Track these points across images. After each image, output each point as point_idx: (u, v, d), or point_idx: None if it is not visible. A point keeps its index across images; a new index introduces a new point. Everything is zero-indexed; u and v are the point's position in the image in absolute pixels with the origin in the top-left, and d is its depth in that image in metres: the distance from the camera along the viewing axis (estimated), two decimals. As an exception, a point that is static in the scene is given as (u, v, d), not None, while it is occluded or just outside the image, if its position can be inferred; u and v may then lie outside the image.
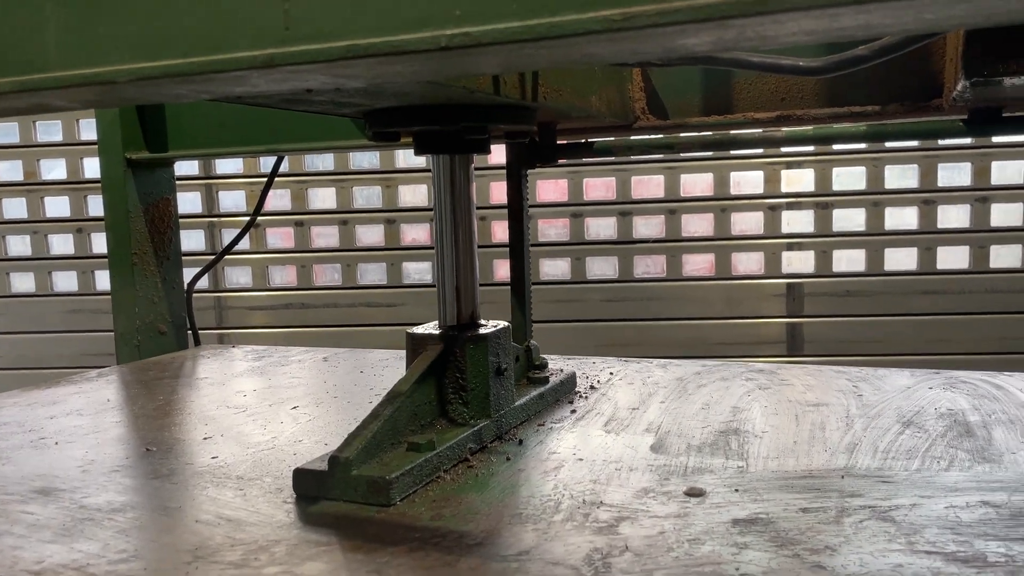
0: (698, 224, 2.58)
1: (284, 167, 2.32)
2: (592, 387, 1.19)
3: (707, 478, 0.82)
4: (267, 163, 2.55)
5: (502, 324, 0.98)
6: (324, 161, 2.61)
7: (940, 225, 2.48)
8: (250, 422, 1.07)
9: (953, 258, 2.48)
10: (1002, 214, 2.46)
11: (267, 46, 0.55)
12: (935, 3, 0.40)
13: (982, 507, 0.73)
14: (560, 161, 1.25)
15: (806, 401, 1.09)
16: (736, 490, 0.78)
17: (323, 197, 2.65)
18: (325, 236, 2.67)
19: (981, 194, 2.47)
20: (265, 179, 1.65)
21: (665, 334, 2.58)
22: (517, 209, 1.19)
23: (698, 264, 2.60)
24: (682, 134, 1.26)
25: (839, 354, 2.56)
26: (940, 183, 2.47)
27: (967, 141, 2.43)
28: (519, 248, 1.18)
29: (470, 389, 0.91)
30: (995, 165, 2.43)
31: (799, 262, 2.57)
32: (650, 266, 2.61)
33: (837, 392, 1.13)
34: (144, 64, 0.58)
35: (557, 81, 0.94)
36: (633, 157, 2.60)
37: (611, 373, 1.28)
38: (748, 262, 2.59)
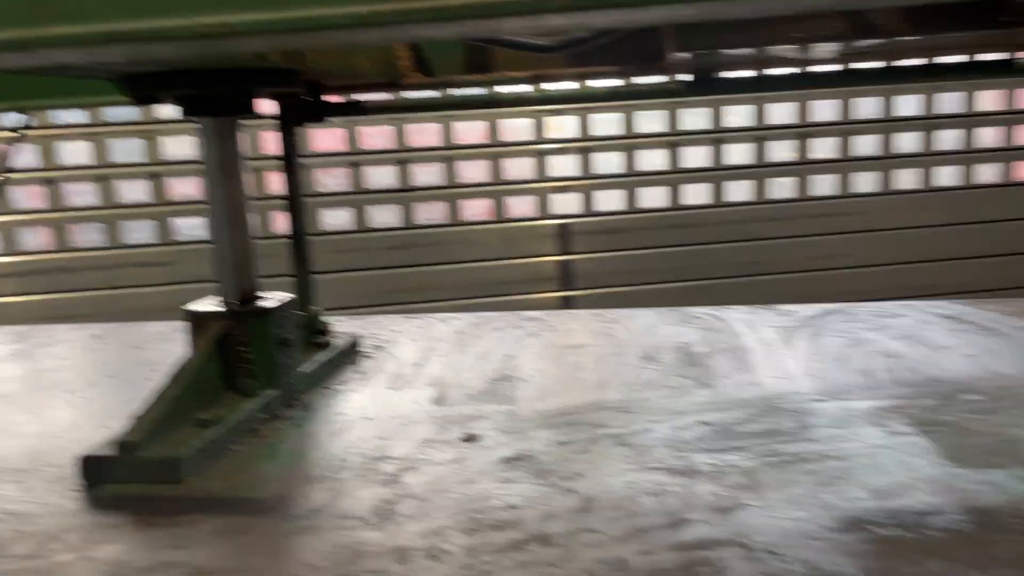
0: (474, 170, 2.69)
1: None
2: (377, 347, 1.26)
3: (481, 424, 0.92)
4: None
5: (284, 296, 1.01)
6: (75, 111, 2.40)
7: (683, 165, 2.76)
8: (21, 411, 1.03)
9: (694, 194, 2.78)
10: (735, 154, 2.79)
11: (17, 25, 0.55)
12: (632, 11, 0.50)
13: (699, 426, 0.89)
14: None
15: (567, 344, 1.23)
16: (505, 432, 0.89)
17: (75, 151, 2.44)
18: (81, 193, 2.47)
19: (716, 136, 2.78)
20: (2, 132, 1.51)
21: (449, 278, 2.69)
22: (291, 169, 1.20)
23: (476, 209, 2.72)
24: (448, 91, 1.34)
25: (605, 286, 2.81)
26: (683, 127, 2.74)
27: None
28: (298, 225, 1.19)
29: (255, 362, 0.94)
30: (729, 110, 2.74)
31: (567, 204, 2.76)
32: (431, 213, 2.69)
33: (594, 334, 1.29)
34: None
35: (322, 46, 0.97)
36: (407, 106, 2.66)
37: (395, 331, 1.35)
38: (521, 205, 2.74)
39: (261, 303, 0.98)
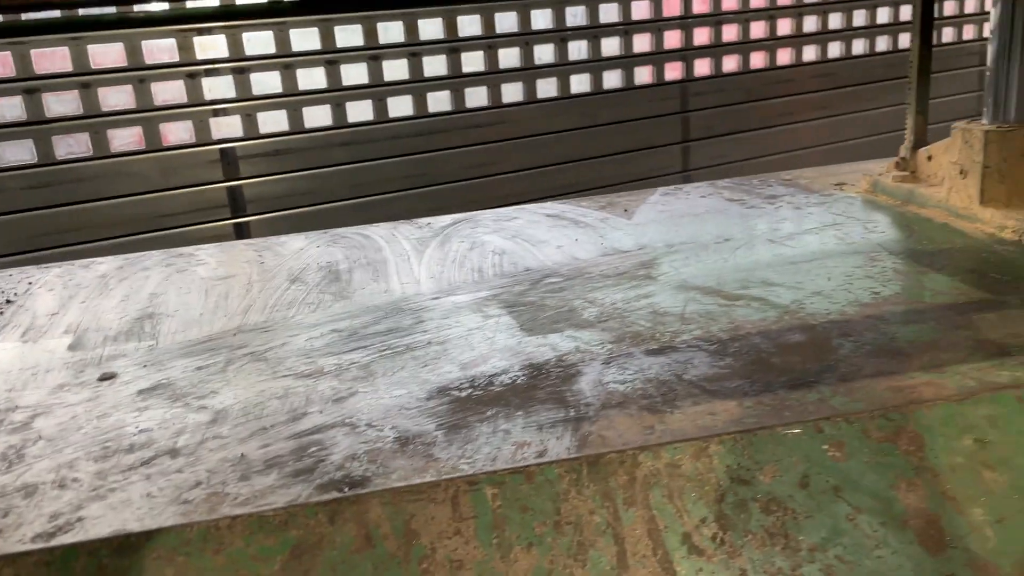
0: (117, 97, 2.51)
1: None
2: (8, 301, 1.20)
3: (120, 362, 0.96)
4: None
5: None
6: None
7: (345, 83, 2.82)
8: None
9: (358, 112, 2.86)
10: (392, 70, 2.90)
11: None
12: None
13: (331, 335, 1.01)
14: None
15: (217, 276, 1.28)
16: (144, 366, 0.94)
17: None
18: None
19: (373, 53, 2.86)
20: None
21: (102, 216, 2.52)
22: None
23: (125, 138, 2.55)
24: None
25: (280, 209, 2.82)
26: (340, 44, 2.78)
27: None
28: None
29: None
30: (385, 26, 2.82)
31: (228, 127, 2.69)
32: (73, 145, 2.48)
33: (244, 263, 1.34)
34: None
35: None
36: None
37: (30, 283, 1.29)
38: (178, 131, 2.62)
39: None
